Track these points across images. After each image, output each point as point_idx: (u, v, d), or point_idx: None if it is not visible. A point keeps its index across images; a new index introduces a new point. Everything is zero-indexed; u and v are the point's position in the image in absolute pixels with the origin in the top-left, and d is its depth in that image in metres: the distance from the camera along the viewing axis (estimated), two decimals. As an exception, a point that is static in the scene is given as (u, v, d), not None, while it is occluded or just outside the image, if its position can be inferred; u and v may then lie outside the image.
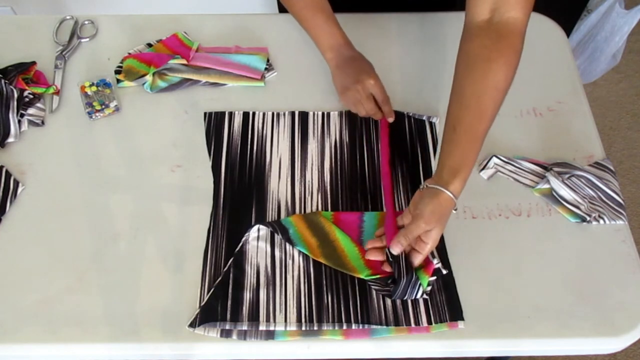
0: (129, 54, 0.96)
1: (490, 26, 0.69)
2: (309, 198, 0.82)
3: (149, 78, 0.92)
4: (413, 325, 0.72)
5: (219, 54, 0.96)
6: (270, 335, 0.71)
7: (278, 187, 0.83)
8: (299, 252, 0.77)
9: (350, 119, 0.90)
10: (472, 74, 0.70)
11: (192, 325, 0.71)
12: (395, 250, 0.71)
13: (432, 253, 0.76)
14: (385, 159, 0.85)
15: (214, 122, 0.90)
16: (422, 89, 0.94)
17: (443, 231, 0.71)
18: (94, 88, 0.92)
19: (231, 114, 0.91)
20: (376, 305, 0.73)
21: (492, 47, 0.69)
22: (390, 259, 0.74)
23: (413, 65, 0.97)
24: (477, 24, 0.71)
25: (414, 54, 0.99)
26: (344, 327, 0.71)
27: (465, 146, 0.70)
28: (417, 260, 0.72)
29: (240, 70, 0.94)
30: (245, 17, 1.02)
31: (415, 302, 0.73)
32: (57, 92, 0.91)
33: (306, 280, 0.75)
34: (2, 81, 0.87)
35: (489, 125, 0.71)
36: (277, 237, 0.78)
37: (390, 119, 0.88)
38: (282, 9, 1.00)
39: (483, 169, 0.84)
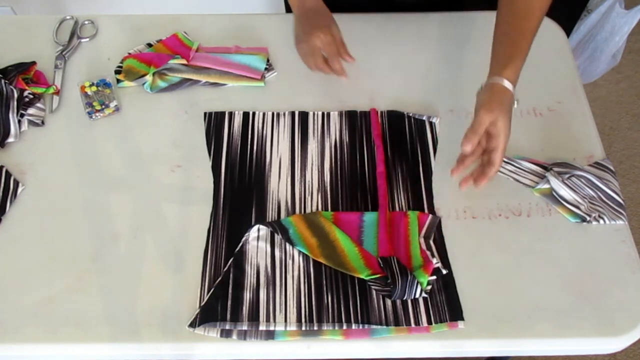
0: (129, 54, 0.96)
1: None
2: (309, 198, 0.82)
3: (149, 78, 0.92)
4: (413, 325, 0.72)
5: (219, 54, 0.96)
6: (270, 335, 0.71)
7: (278, 187, 0.83)
8: (299, 252, 0.77)
9: (350, 119, 0.91)
10: None
11: (192, 325, 0.71)
12: (467, 147, 0.72)
13: (431, 253, 0.76)
14: (381, 159, 0.85)
15: (214, 122, 0.90)
16: (422, 89, 0.94)
17: (509, 122, 0.72)
18: (94, 88, 0.92)
19: (231, 114, 0.91)
20: (376, 305, 0.73)
21: None
22: (382, 264, 0.74)
23: (413, 65, 0.97)
24: None
25: (414, 54, 0.99)
26: (344, 327, 0.71)
27: (515, 39, 0.76)
28: (498, 158, 0.73)
29: (240, 70, 0.94)
30: (245, 17, 1.02)
31: (415, 302, 0.73)
32: (57, 92, 0.91)
33: (306, 280, 0.75)
34: (2, 81, 0.87)
35: (537, 23, 0.77)
36: (277, 237, 0.78)
37: (343, 77, 0.90)
38: (288, 9, 1.01)
39: (483, 169, 0.84)
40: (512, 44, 0.76)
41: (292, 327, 0.71)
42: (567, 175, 0.82)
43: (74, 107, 0.91)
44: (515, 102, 0.75)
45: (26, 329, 0.71)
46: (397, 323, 0.72)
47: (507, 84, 0.73)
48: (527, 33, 0.76)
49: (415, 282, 0.72)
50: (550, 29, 1.03)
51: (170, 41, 0.98)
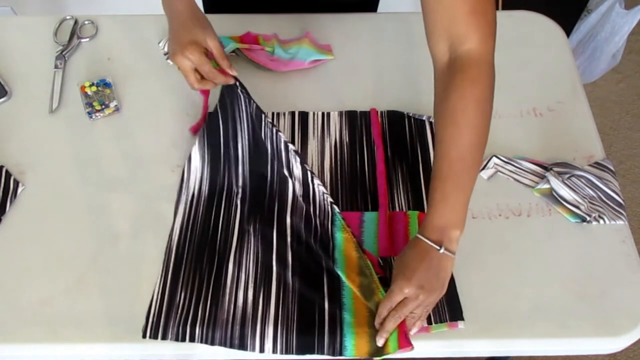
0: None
1: (449, 66, 0.67)
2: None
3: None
4: (413, 325, 0.71)
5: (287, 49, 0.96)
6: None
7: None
8: (294, 260, 0.76)
9: (350, 119, 0.91)
10: (444, 118, 0.67)
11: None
12: (381, 317, 0.68)
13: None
14: (381, 158, 0.85)
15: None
16: (422, 89, 0.94)
17: (437, 291, 0.67)
18: (94, 88, 0.92)
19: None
20: (376, 306, 0.73)
21: (450, 86, 0.66)
22: (381, 263, 0.74)
23: (412, 65, 0.97)
24: (440, 67, 0.68)
25: (414, 54, 0.99)
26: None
27: (454, 194, 0.66)
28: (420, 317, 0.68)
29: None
30: (245, 17, 1.02)
31: (415, 302, 0.73)
32: None
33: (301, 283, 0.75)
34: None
35: (471, 160, 0.67)
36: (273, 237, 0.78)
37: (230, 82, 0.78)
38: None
39: (483, 169, 0.84)
40: (447, 195, 0.66)
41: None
42: (567, 175, 0.82)
43: (74, 107, 0.91)
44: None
45: (26, 329, 0.71)
46: (397, 323, 0.71)
47: (451, 255, 0.66)
48: (462, 178, 0.66)
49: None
50: (550, 29, 1.03)
51: (245, 36, 0.98)
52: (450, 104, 0.65)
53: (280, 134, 0.80)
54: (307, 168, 0.80)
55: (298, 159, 0.80)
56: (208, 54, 0.75)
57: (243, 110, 0.79)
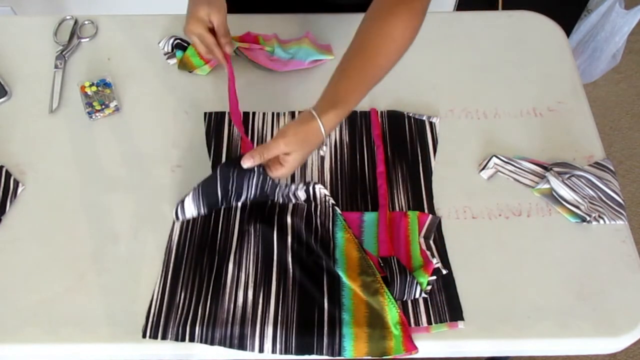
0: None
1: None
2: (309, 198, 0.82)
3: (201, 72, 0.94)
4: (413, 325, 0.72)
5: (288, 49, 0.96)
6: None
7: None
8: (294, 258, 0.76)
9: (350, 119, 0.90)
10: (370, 25, 0.73)
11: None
12: (246, 164, 0.71)
13: (431, 253, 0.76)
14: (381, 159, 0.85)
15: (214, 122, 0.90)
16: (422, 89, 0.94)
17: (303, 160, 0.72)
18: (94, 88, 0.92)
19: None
20: (376, 306, 0.73)
21: (394, 6, 0.71)
22: (382, 263, 0.74)
23: (413, 65, 0.97)
24: None
25: (414, 54, 0.98)
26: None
27: (349, 84, 0.71)
28: (274, 174, 0.73)
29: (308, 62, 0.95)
30: (245, 17, 1.02)
31: (415, 302, 0.73)
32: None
33: (298, 286, 0.75)
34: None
35: (378, 72, 0.72)
36: (273, 237, 0.78)
37: (226, 65, 0.85)
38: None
39: (483, 169, 0.84)
40: (345, 89, 0.71)
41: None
42: (567, 175, 0.82)
43: (74, 107, 0.91)
44: (323, 148, 0.72)
45: (26, 329, 0.71)
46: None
47: (322, 124, 0.69)
48: (364, 80, 0.72)
49: (415, 282, 0.72)
50: (550, 29, 1.03)
51: (246, 36, 0.98)
52: (391, 21, 0.71)
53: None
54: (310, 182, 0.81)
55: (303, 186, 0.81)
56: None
57: (252, 184, 0.77)
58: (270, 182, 0.77)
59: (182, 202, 0.77)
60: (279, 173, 0.73)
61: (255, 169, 0.74)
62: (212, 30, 0.83)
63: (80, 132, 0.88)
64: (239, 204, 0.80)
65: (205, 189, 0.76)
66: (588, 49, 1.74)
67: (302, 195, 0.80)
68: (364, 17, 0.75)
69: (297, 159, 0.72)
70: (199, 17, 0.81)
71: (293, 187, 0.80)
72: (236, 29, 0.99)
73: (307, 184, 0.80)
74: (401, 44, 0.72)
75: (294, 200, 0.80)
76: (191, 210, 0.78)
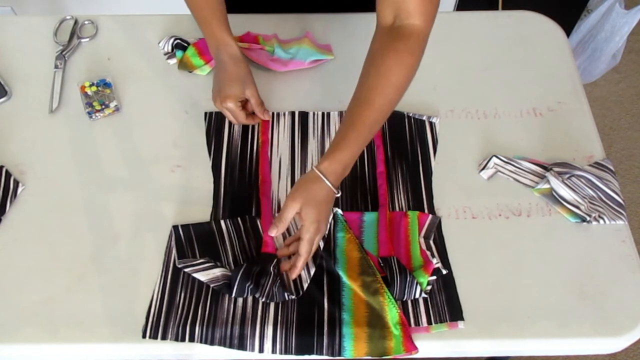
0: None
1: (392, 30, 0.72)
2: (309, 198, 0.82)
3: (201, 72, 0.94)
4: (413, 325, 0.72)
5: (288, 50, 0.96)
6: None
7: (278, 187, 0.83)
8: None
9: (350, 119, 0.90)
10: (369, 70, 0.73)
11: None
12: (272, 233, 0.70)
13: (431, 253, 0.76)
14: (381, 159, 0.85)
15: (214, 122, 0.90)
16: (422, 89, 0.94)
17: (319, 216, 0.70)
18: (94, 88, 0.92)
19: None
20: (376, 306, 0.73)
21: (390, 47, 0.72)
22: (382, 263, 0.74)
23: (413, 65, 0.97)
24: (382, 28, 0.74)
25: (414, 54, 0.98)
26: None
27: (348, 132, 0.71)
28: (302, 249, 0.70)
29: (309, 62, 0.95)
30: (245, 17, 1.02)
31: (415, 302, 0.73)
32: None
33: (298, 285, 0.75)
34: None
35: (376, 116, 0.72)
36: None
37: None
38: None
39: (483, 169, 0.84)
40: (344, 139, 0.71)
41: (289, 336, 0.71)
42: (567, 175, 0.82)
43: (74, 107, 0.91)
44: (338, 193, 0.71)
45: (26, 329, 0.71)
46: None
47: (320, 175, 0.70)
48: (363, 126, 0.71)
49: (415, 282, 0.72)
50: (550, 29, 1.03)
51: (246, 36, 0.98)
52: (387, 62, 0.71)
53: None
54: None
55: None
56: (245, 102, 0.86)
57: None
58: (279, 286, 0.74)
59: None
60: (303, 233, 0.70)
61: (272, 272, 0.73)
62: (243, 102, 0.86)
63: (80, 132, 0.88)
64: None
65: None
66: (588, 49, 1.74)
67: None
68: (366, 57, 0.74)
69: (311, 212, 0.70)
70: (235, 94, 0.83)
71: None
72: (236, 29, 0.99)
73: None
74: (399, 84, 0.72)
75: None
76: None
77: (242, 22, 1.00)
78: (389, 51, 0.71)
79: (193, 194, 0.82)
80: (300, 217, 0.70)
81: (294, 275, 0.72)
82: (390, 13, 0.72)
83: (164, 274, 0.75)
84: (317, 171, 0.70)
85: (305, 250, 0.71)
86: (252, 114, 0.88)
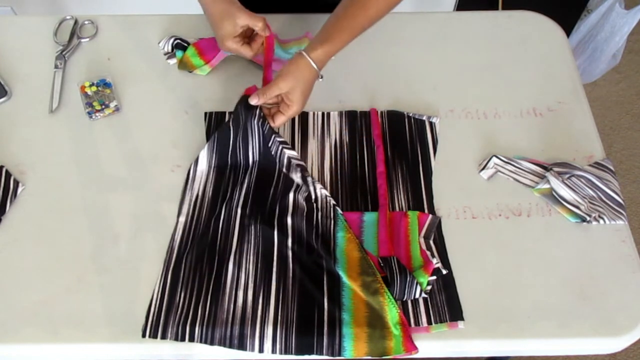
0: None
1: None
2: (309, 198, 0.82)
3: (201, 72, 0.95)
4: (413, 325, 0.72)
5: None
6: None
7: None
8: (293, 259, 0.76)
9: (350, 119, 0.91)
10: None
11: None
12: (252, 101, 0.78)
13: (431, 253, 0.76)
14: (381, 159, 0.85)
15: (214, 122, 0.90)
16: (422, 89, 0.94)
17: (304, 95, 0.79)
18: (94, 88, 0.92)
19: (231, 114, 0.90)
20: (376, 306, 0.73)
21: None
22: (382, 263, 0.74)
23: (413, 65, 0.97)
24: None
25: (414, 54, 0.99)
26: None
27: (338, 27, 0.80)
28: (279, 120, 0.80)
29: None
30: (245, 17, 1.02)
31: (415, 302, 0.73)
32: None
33: (298, 286, 0.75)
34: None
35: (366, 22, 0.81)
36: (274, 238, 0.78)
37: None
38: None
39: (483, 169, 0.84)
40: (335, 30, 0.79)
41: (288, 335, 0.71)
42: (567, 175, 0.82)
43: (74, 107, 0.91)
44: (320, 77, 0.78)
45: (26, 329, 0.71)
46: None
47: (311, 61, 0.78)
48: (355, 25, 0.80)
49: (415, 282, 0.72)
50: (550, 29, 1.03)
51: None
52: None
53: (286, 151, 0.82)
54: (309, 178, 0.82)
55: (301, 173, 0.82)
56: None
57: (255, 127, 0.81)
58: (274, 138, 0.81)
59: (197, 157, 0.83)
60: (288, 112, 0.79)
61: (257, 111, 0.80)
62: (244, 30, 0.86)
63: (80, 132, 0.88)
64: (244, 183, 0.81)
65: (220, 135, 0.82)
66: (588, 49, 1.74)
67: (299, 180, 0.82)
68: None
69: (298, 94, 0.78)
70: (227, 33, 0.83)
71: (294, 175, 0.82)
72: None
73: (308, 183, 0.81)
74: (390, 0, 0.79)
75: (292, 178, 0.83)
76: (204, 162, 0.82)
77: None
78: None
79: (193, 194, 0.82)
80: (286, 97, 0.79)
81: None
82: None
83: (164, 274, 0.75)
84: (309, 59, 0.78)
85: (280, 122, 0.81)
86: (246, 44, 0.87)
